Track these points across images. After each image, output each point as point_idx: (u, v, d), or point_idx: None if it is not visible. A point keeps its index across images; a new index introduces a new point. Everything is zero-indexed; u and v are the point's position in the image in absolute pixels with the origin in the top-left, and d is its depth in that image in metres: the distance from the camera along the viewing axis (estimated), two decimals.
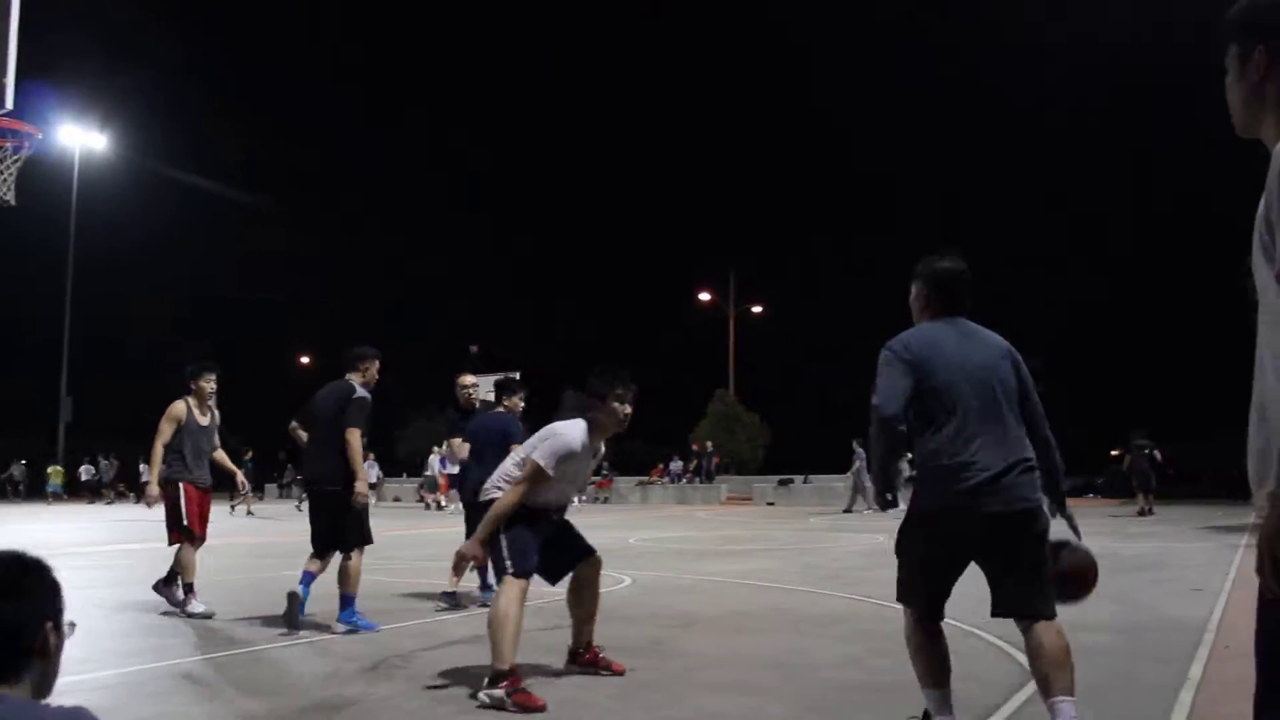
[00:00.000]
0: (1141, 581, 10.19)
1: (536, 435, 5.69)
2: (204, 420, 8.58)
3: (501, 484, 5.63)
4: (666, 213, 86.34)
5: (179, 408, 8.47)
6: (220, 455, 8.80)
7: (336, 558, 7.56)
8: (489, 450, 7.86)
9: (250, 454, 32.73)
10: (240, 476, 9.25)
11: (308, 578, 7.51)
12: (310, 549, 7.63)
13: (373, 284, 79.95)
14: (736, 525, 21.04)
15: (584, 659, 5.89)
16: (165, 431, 8.35)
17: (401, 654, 6.48)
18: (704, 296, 48.16)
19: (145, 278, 72.21)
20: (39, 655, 1.88)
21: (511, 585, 5.34)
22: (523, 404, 8.89)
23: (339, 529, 7.48)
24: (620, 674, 5.81)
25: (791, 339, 60.67)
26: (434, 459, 32.72)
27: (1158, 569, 11.44)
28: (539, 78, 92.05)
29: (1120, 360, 61.73)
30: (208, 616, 7.98)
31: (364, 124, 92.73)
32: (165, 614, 8.14)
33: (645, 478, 40.14)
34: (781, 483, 34.17)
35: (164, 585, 8.34)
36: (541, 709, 5.02)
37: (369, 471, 33.75)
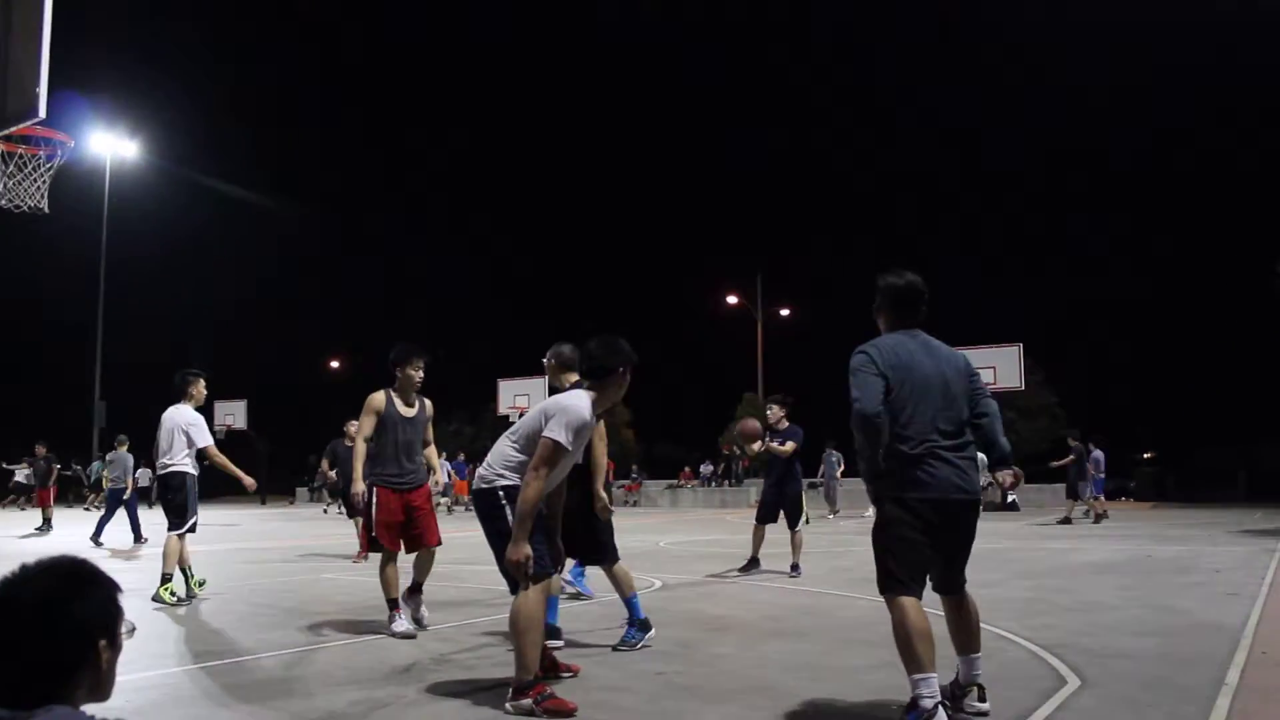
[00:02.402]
0: (1176, 585, 10.10)
1: (536, 413, 5.39)
2: (409, 412, 7.61)
3: (503, 471, 5.37)
4: (693, 216, 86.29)
5: (379, 399, 7.58)
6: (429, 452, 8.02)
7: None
8: None
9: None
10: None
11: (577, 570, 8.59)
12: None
13: (398, 289, 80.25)
14: (766, 528, 20.96)
15: (543, 665, 5.46)
16: (365, 426, 7.53)
17: (435, 657, 6.52)
18: (731, 300, 48.13)
19: (176, 283, 72.75)
20: (91, 667, 1.90)
21: (534, 590, 5.15)
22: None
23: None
24: (575, 675, 5.81)
25: (819, 342, 60.45)
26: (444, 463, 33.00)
27: (1192, 572, 11.33)
28: (561, 79, 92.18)
29: (1157, 364, 61.22)
30: (409, 636, 7.21)
31: (392, 130, 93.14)
32: (203, 614, 8.19)
33: (675, 481, 40.14)
34: (811, 486, 34.02)
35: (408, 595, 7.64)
36: (573, 713, 4.96)
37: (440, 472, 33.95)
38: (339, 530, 21.43)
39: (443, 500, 31.48)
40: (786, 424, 11.34)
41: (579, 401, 5.28)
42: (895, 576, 4.63)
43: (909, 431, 4.60)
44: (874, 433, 4.55)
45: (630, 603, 6.84)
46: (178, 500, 9.26)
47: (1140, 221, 69.74)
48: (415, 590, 7.68)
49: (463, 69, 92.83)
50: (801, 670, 6.05)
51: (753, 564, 11.45)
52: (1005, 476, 4.88)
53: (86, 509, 31.76)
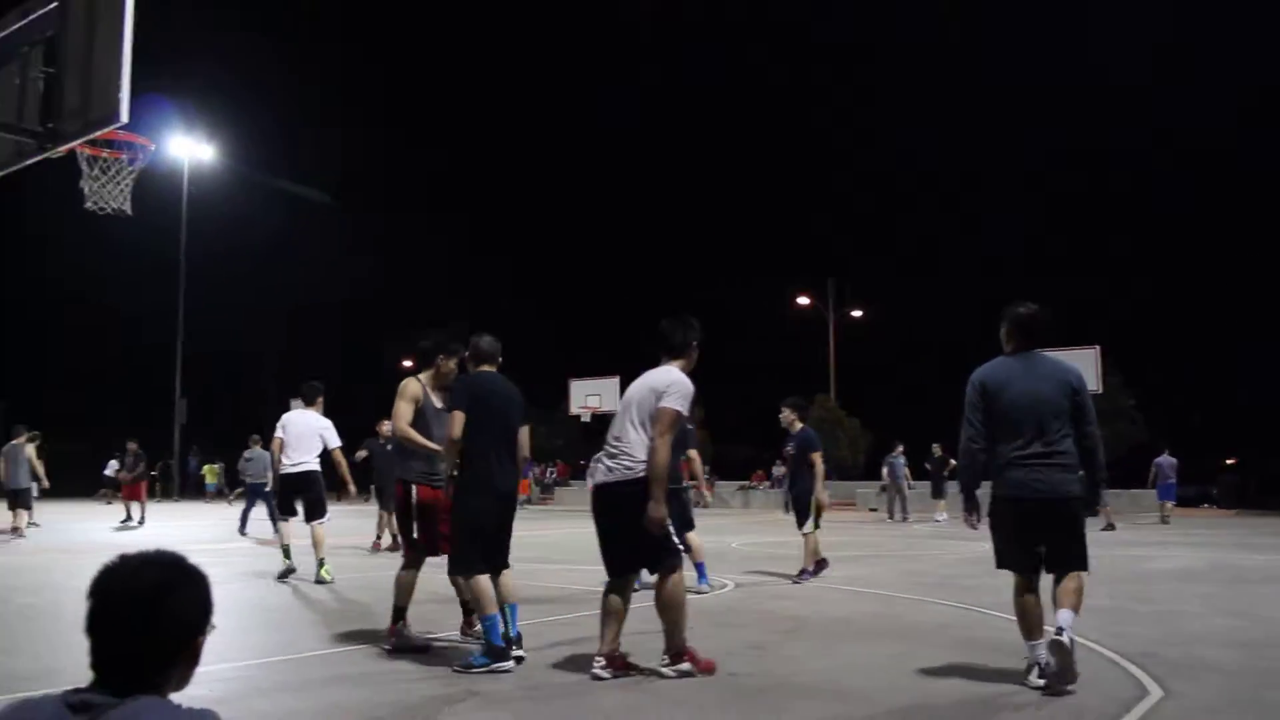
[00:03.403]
0: (1261, 594, 9.86)
1: (644, 394, 5.90)
2: (440, 405, 7.18)
3: (627, 460, 5.77)
4: (766, 217, 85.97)
5: (415, 386, 7.18)
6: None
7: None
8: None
9: None
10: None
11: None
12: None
13: (471, 289, 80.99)
14: (838, 531, 20.83)
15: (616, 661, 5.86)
16: (406, 413, 7.05)
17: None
18: (803, 301, 47.87)
19: (251, 284, 74.06)
20: (186, 658, 1.94)
21: (678, 574, 5.81)
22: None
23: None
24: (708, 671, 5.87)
25: (893, 344, 59.89)
26: None
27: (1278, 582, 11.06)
28: (637, 72, 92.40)
29: (1238, 369, 59.79)
30: (423, 649, 6.82)
31: (465, 131, 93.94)
32: (288, 608, 8.31)
33: (747, 482, 39.99)
34: (884, 489, 33.75)
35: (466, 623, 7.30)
36: (714, 670, 5.76)
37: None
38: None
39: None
40: (800, 426, 11.17)
41: (680, 375, 5.95)
42: (1000, 557, 5.82)
43: (997, 442, 5.67)
44: (968, 462, 5.84)
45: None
46: (315, 494, 10.77)
47: (1214, 221, 68.25)
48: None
49: (532, 66, 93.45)
50: (876, 674, 6.00)
51: (820, 565, 11.09)
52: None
53: (230, 503, 32.17)
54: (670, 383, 5.84)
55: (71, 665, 5.94)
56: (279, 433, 10.93)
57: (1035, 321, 5.86)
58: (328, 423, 10.94)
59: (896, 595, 9.64)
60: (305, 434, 10.74)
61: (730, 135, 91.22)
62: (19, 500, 17.77)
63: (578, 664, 6.16)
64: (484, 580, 6.22)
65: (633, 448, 5.79)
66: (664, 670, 5.74)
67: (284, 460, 10.81)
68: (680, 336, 6.14)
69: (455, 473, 6.36)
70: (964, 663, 6.31)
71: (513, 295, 77.63)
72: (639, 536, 5.67)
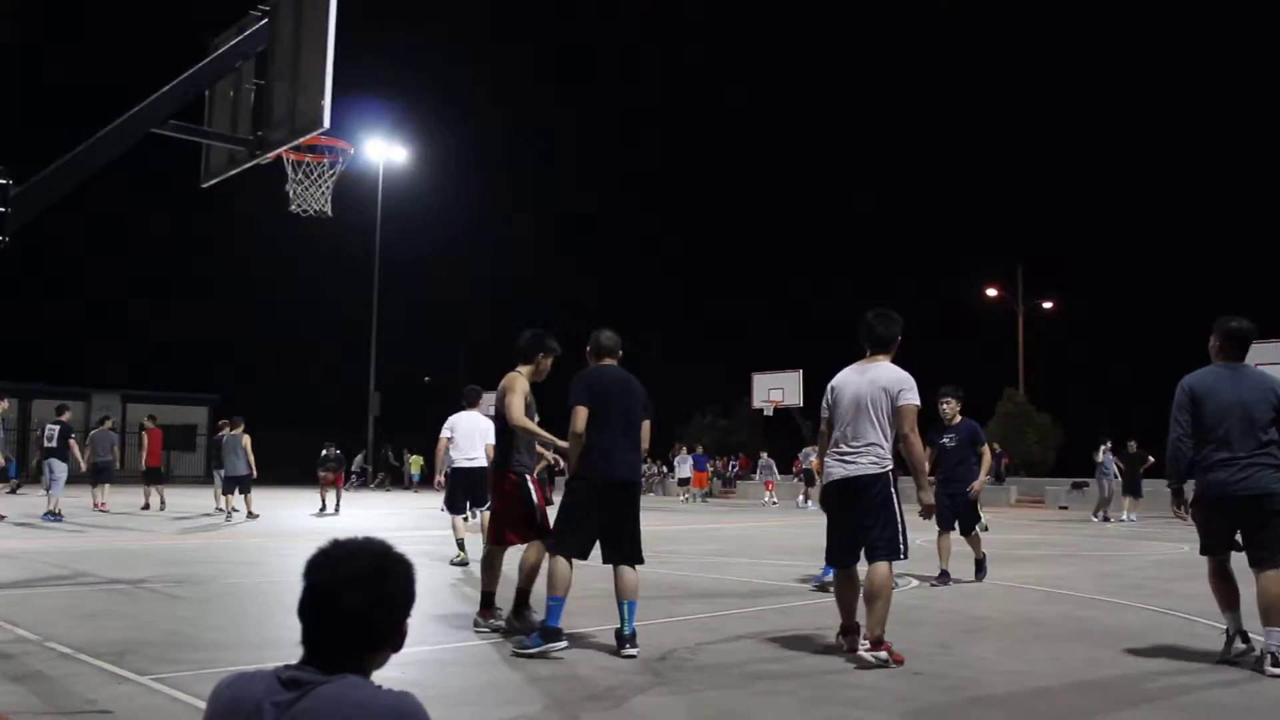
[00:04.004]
0: None
1: (875, 392, 6.25)
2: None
3: (889, 456, 6.23)
4: (951, 205, 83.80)
5: (524, 380, 7.19)
6: None
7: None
8: None
9: None
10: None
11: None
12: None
13: (645, 281, 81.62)
14: (1027, 529, 20.24)
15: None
16: (520, 406, 6.99)
17: (690, 646, 6.63)
18: (991, 292, 46.59)
19: (441, 280, 76.36)
20: (394, 641, 2.07)
21: (888, 562, 6.18)
22: None
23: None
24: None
25: (1086, 336, 57.70)
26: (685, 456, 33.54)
27: None
28: (817, 61, 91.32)
29: None
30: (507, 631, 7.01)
31: (645, 125, 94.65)
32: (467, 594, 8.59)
33: (932, 479, 39.17)
34: (1075, 486, 32.53)
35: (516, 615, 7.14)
36: (903, 662, 5.96)
37: (682, 466, 34.22)
38: None
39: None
40: (959, 418, 10.40)
41: (902, 371, 6.37)
42: (1202, 544, 6.37)
43: (1205, 444, 6.13)
44: (1174, 463, 6.33)
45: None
46: (483, 488, 11.08)
47: None
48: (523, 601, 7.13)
49: (727, 45, 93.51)
50: (1067, 678, 5.84)
51: (943, 577, 10.16)
52: None
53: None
54: (902, 380, 6.29)
55: (275, 641, 6.30)
56: (446, 433, 11.79)
57: (1245, 335, 6.35)
58: (489, 423, 11.29)
59: (1089, 597, 9.33)
60: (471, 433, 11.51)
61: (919, 116, 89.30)
62: (240, 486, 19.12)
63: (750, 657, 6.21)
64: (563, 563, 6.33)
65: (877, 444, 6.20)
66: (864, 654, 6.03)
67: (456, 456, 11.64)
68: (889, 330, 6.52)
69: (578, 465, 6.46)
70: (1161, 669, 6.10)
71: (695, 290, 78.14)
72: (879, 526, 6.17)
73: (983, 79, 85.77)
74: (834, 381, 6.56)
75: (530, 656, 6.07)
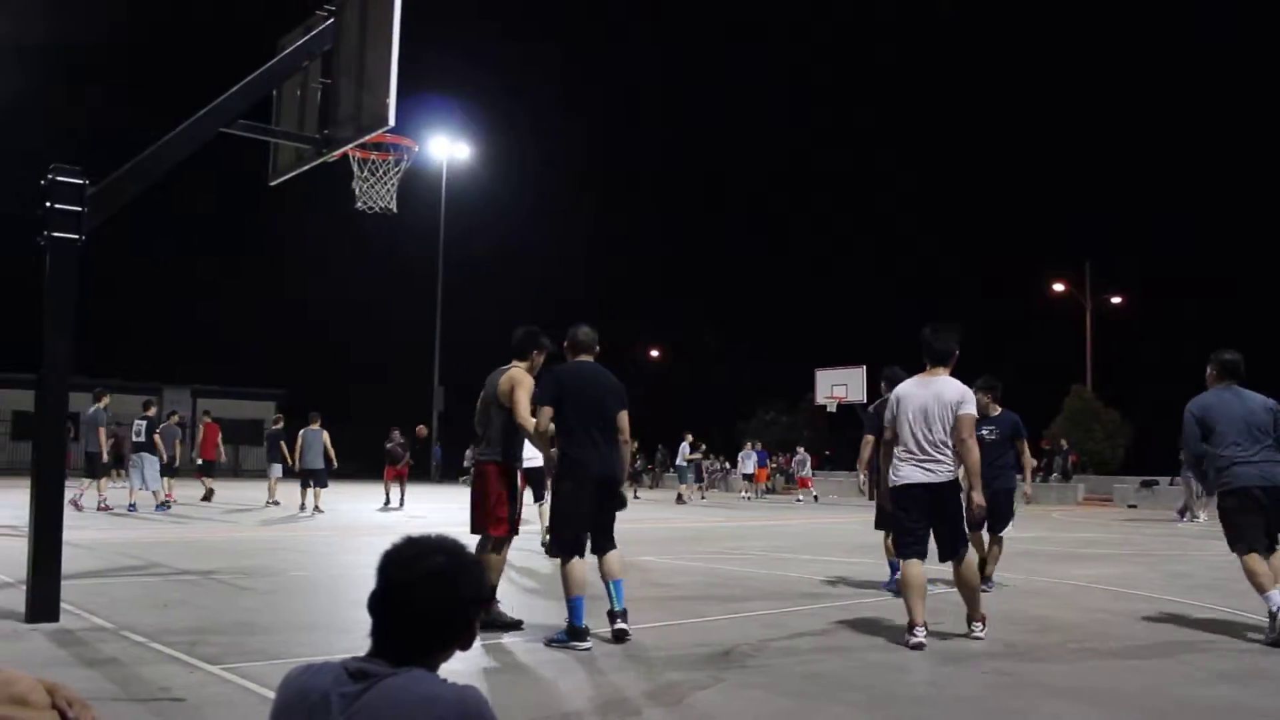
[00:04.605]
0: None
1: (938, 405, 6.73)
2: None
3: (947, 463, 6.74)
4: (1016, 198, 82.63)
5: (529, 378, 7.14)
6: None
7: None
8: None
9: None
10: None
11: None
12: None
13: (720, 283, 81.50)
14: (1095, 527, 19.94)
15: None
16: (526, 403, 6.95)
17: (754, 643, 6.62)
18: (1058, 287, 45.92)
19: (505, 275, 76.88)
20: (466, 636, 2.09)
21: (972, 550, 7.12)
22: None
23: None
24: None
25: (1156, 332, 56.58)
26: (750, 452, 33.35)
27: None
28: (888, 53, 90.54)
29: None
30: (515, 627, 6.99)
31: (727, 128, 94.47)
32: (529, 591, 8.63)
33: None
34: (1145, 484, 32.03)
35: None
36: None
37: (746, 462, 34.02)
38: (652, 515, 22.13)
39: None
40: (999, 409, 9.76)
41: (962, 385, 6.92)
42: (1231, 537, 7.17)
43: (1222, 449, 7.13)
44: (1195, 462, 7.60)
45: None
46: (541, 485, 11.63)
47: None
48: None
49: (763, 69, 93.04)
50: (1135, 679, 5.77)
51: (985, 580, 9.07)
52: None
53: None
54: (962, 390, 6.89)
55: (343, 632, 6.39)
56: None
57: (1238, 364, 7.44)
58: None
59: (1159, 597, 9.17)
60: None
61: (987, 108, 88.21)
62: (315, 480, 19.69)
63: (813, 655, 6.19)
64: (576, 565, 6.48)
65: (947, 452, 6.74)
66: (976, 634, 6.83)
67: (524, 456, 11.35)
68: (946, 346, 7.03)
69: (558, 466, 6.62)
70: (1232, 670, 5.99)
71: (757, 286, 77.90)
72: (953, 527, 6.79)
73: (1053, 68, 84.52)
74: (897, 392, 7.07)
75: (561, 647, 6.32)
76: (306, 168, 8.47)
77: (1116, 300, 46.21)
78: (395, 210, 10.47)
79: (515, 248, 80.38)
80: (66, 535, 7.02)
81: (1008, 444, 9.67)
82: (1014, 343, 56.31)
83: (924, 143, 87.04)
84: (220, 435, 22.60)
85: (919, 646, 6.38)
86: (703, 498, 33.43)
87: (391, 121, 7.45)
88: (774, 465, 39.34)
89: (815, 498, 31.81)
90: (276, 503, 20.94)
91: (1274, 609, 6.71)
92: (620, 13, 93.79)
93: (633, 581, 7.80)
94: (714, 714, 4.92)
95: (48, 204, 6.88)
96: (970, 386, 9.75)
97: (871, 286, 74.66)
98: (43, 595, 6.75)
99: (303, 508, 19.61)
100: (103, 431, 18.38)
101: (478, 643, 6.10)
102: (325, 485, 19.78)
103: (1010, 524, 9.63)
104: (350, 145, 8.26)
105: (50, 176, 6.91)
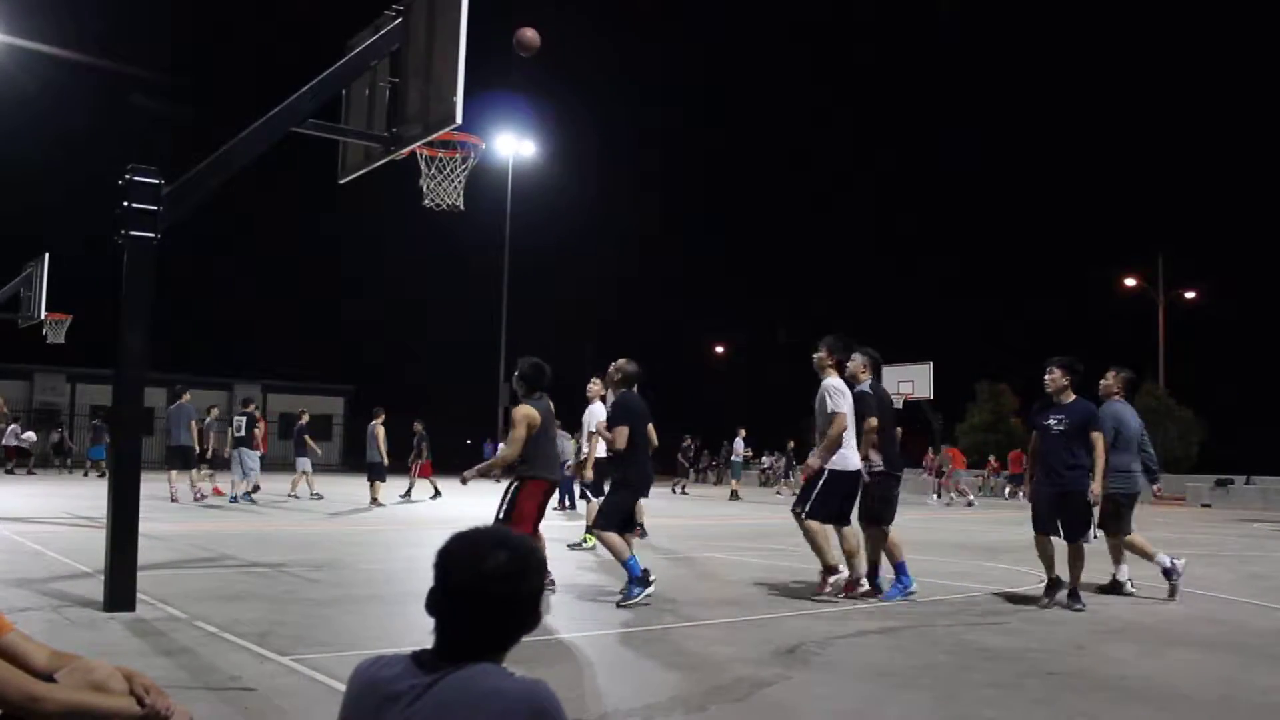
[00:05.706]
0: None
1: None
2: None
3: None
4: (1088, 192, 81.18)
5: (534, 414, 8.03)
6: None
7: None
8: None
9: None
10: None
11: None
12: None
13: (781, 275, 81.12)
14: (1167, 527, 19.56)
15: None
16: (521, 439, 7.96)
17: (819, 640, 6.58)
18: (1129, 282, 45.11)
19: (568, 271, 77.10)
20: (528, 631, 2.10)
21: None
22: None
23: None
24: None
25: (1231, 328, 55.30)
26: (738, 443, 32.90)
27: None
28: (957, 52, 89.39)
29: None
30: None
31: (785, 124, 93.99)
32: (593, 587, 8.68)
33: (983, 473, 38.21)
34: (1219, 483, 31.40)
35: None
36: None
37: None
38: (712, 511, 22.07)
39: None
40: (1072, 396, 8.50)
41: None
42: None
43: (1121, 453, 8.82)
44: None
45: None
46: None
47: None
48: None
49: (853, 82, 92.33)
50: (1208, 683, 5.64)
51: (1052, 587, 8.44)
52: None
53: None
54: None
55: (411, 626, 6.46)
56: (591, 425, 11.98)
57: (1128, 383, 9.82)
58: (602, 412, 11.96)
59: (1235, 599, 8.99)
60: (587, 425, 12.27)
61: (1058, 102, 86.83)
62: (371, 473, 20.20)
63: (878, 651, 6.15)
64: (617, 535, 7.99)
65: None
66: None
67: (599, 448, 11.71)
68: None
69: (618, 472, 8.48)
70: None
71: (823, 282, 77.34)
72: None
73: (1127, 63, 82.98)
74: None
75: (633, 605, 7.42)
76: (375, 165, 8.56)
77: (1190, 295, 45.30)
78: (462, 207, 10.53)
79: (582, 248, 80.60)
80: (142, 527, 7.17)
81: (1081, 436, 8.33)
82: (1086, 338, 55.44)
83: (1000, 138, 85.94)
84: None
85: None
86: (778, 493, 33.21)
87: (459, 119, 7.48)
88: None
89: None
90: (294, 495, 21.44)
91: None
92: (694, 9, 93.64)
93: (695, 578, 7.80)
94: (782, 709, 4.91)
95: (125, 203, 7.03)
96: (1053, 363, 8.49)
97: (946, 285, 73.86)
98: (120, 586, 6.91)
99: (295, 497, 20.85)
100: (195, 425, 19.03)
101: (541, 636, 6.20)
102: (383, 479, 20.12)
103: (1092, 530, 8.55)
104: (418, 143, 8.32)
105: (127, 176, 7.06)
